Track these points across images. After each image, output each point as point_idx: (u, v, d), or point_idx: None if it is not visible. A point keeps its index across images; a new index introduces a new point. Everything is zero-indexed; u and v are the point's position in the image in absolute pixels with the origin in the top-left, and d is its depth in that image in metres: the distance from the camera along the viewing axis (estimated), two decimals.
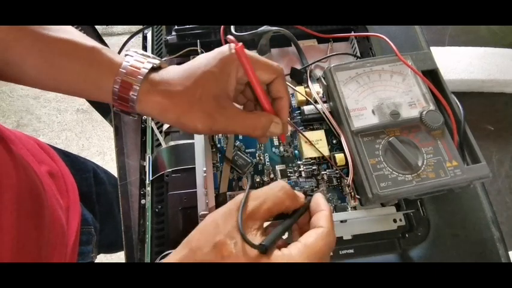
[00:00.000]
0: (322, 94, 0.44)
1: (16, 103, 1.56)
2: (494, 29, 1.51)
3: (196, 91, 0.30)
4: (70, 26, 0.33)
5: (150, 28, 0.55)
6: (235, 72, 0.32)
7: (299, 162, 0.42)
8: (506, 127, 1.37)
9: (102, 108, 0.88)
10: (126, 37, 0.53)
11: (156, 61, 0.32)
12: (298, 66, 0.49)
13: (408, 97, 0.40)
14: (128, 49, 0.34)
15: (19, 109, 1.55)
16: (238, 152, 0.41)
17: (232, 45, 0.32)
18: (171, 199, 0.41)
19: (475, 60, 1.39)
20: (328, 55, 0.49)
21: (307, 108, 0.44)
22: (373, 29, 0.52)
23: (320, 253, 0.26)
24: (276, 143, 0.43)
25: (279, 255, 0.25)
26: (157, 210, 0.41)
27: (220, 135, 0.42)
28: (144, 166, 0.45)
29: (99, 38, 0.60)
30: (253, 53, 0.33)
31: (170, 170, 0.42)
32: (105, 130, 1.49)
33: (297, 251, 0.26)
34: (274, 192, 0.28)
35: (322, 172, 0.41)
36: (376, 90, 0.40)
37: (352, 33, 0.51)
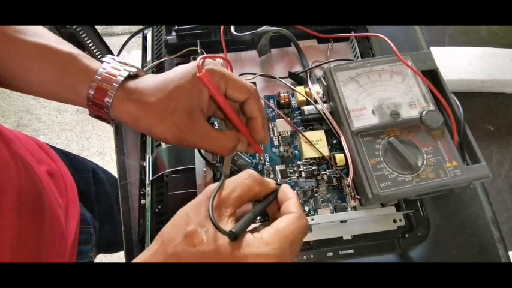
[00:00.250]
0: (322, 94, 0.44)
1: (16, 103, 1.56)
2: (494, 29, 1.52)
3: (169, 104, 0.31)
4: (47, 30, 0.33)
5: (150, 28, 0.55)
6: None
7: (299, 162, 0.42)
8: (506, 127, 1.37)
9: None
10: (126, 37, 0.53)
11: (133, 69, 0.32)
12: (298, 67, 0.49)
13: (408, 97, 0.40)
14: (106, 55, 0.34)
15: (19, 109, 1.55)
16: (238, 152, 0.41)
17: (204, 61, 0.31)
18: (171, 199, 0.41)
19: (475, 60, 1.39)
20: (328, 60, 0.49)
21: (307, 108, 0.44)
22: (373, 29, 0.52)
23: (291, 236, 0.26)
24: (276, 143, 0.43)
25: (250, 239, 0.26)
26: (157, 210, 0.41)
27: None
28: (144, 166, 0.45)
29: (99, 38, 0.60)
30: (226, 71, 0.33)
31: (170, 170, 0.42)
32: (105, 130, 1.49)
33: (268, 234, 0.26)
34: (242, 180, 0.29)
35: (322, 172, 0.41)
36: (376, 90, 0.40)
37: (352, 33, 0.51)
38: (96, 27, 0.61)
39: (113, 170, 0.52)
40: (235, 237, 0.25)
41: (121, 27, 1.70)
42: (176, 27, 0.50)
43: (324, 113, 0.43)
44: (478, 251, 0.40)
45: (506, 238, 0.41)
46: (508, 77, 1.36)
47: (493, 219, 0.42)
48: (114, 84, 0.31)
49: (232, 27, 0.47)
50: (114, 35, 1.68)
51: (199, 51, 0.47)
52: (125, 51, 0.56)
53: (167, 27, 0.53)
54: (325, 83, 0.42)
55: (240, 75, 0.47)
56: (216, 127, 0.43)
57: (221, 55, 0.47)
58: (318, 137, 0.42)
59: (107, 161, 1.41)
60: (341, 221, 0.38)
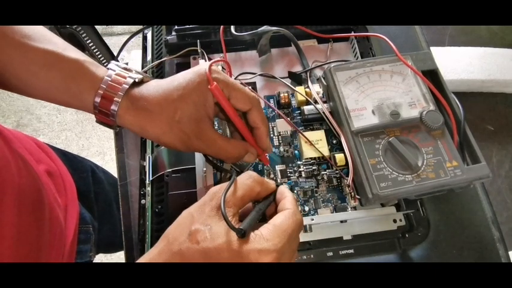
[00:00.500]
0: (322, 94, 0.44)
1: (16, 103, 1.56)
2: (494, 29, 1.51)
3: (175, 113, 0.31)
4: (54, 34, 0.33)
5: (150, 28, 0.55)
6: (213, 96, 0.32)
7: (299, 162, 0.42)
8: (506, 127, 1.37)
9: None
10: (126, 37, 0.53)
11: (139, 76, 0.33)
12: (298, 67, 0.49)
13: (408, 97, 0.40)
14: (110, 62, 0.34)
15: (19, 109, 1.55)
16: None
17: (208, 65, 0.32)
18: (171, 199, 0.41)
19: (475, 60, 1.38)
20: (328, 61, 0.49)
21: (307, 108, 0.44)
22: (373, 29, 0.52)
23: (289, 230, 0.27)
24: (276, 143, 0.43)
25: (252, 236, 0.27)
26: (157, 210, 0.41)
27: None
28: (144, 166, 0.45)
29: (99, 38, 0.60)
30: (229, 79, 0.33)
31: (170, 170, 0.42)
32: (105, 130, 1.48)
33: (267, 231, 0.27)
34: (243, 181, 0.30)
35: (322, 172, 0.41)
36: (376, 90, 0.40)
37: (352, 33, 0.51)
38: (96, 27, 0.61)
39: (113, 170, 0.52)
40: (244, 234, 0.26)
41: (121, 27, 1.70)
42: (176, 27, 0.50)
43: (324, 113, 0.43)
44: (478, 251, 0.40)
45: (506, 238, 0.41)
46: (508, 77, 1.36)
47: (493, 219, 0.42)
48: (119, 92, 0.31)
49: (232, 27, 0.47)
50: (114, 35, 1.68)
51: (199, 51, 0.47)
52: (125, 51, 0.56)
53: (167, 27, 0.53)
54: (325, 83, 0.42)
55: (239, 75, 0.47)
56: (216, 127, 0.43)
57: (221, 55, 0.47)
58: (318, 137, 0.42)
59: (107, 161, 1.41)
60: (341, 221, 0.38)
